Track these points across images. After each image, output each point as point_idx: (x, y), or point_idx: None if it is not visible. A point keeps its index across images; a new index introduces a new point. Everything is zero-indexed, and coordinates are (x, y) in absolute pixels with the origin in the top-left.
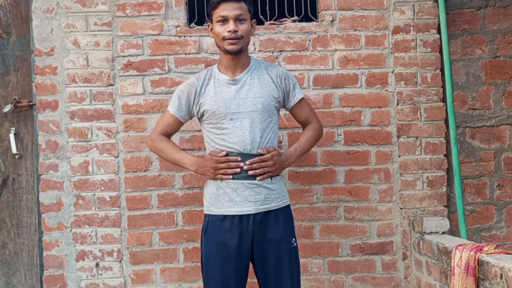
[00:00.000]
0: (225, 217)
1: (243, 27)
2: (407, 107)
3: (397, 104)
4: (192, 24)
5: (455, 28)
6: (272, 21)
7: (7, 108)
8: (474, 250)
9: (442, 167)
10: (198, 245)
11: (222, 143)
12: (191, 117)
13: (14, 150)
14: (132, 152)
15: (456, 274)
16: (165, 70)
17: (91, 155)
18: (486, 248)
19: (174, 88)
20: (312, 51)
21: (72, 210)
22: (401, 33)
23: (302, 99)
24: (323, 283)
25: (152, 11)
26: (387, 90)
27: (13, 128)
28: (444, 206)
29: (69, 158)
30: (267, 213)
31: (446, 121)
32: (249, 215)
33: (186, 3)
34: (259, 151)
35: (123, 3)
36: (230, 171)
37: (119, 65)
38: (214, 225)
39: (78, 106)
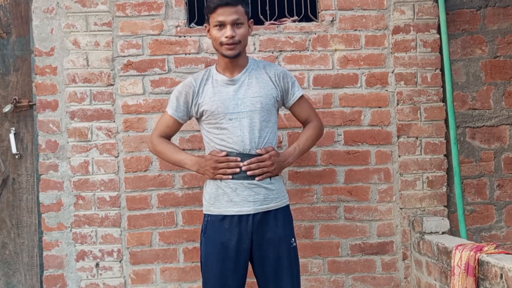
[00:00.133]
0: (224, 217)
1: (240, 32)
2: (407, 107)
3: (397, 104)
4: (192, 24)
5: (455, 28)
6: (272, 21)
7: (7, 108)
8: (474, 250)
9: (442, 167)
10: (198, 245)
11: (221, 143)
12: (189, 118)
13: (14, 150)
14: (132, 152)
15: (456, 274)
16: (165, 70)
17: (91, 155)
18: (486, 248)
19: (174, 88)
20: (312, 51)
21: (72, 210)
22: (401, 33)
23: (301, 97)
24: (323, 283)
25: (152, 11)
26: (387, 90)
27: (13, 128)
28: (444, 206)
29: (69, 158)
30: (266, 213)
31: (446, 121)
32: (248, 215)
33: (186, 3)
34: (258, 151)
35: (123, 3)
36: (229, 171)
37: (119, 65)
38: (214, 225)
39: (78, 106)
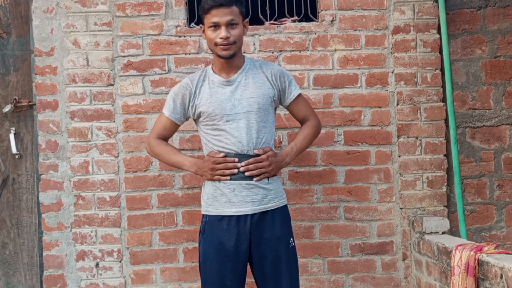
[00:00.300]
0: (222, 217)
1: (235, 32)
2: (407, 107)
3: (397, 104)
4: (192, 24)
5: (455, 28)
6: (272, 21)
7: (7, 108)
8: (474, 250)
9: (442, 167)
10: (197, 245)
11: (219, 144)
12: (186, 119)
13: (14, 150)
14: (132, 152)
15: (456, 274)
16: (165, 70)
17: (91, 155)
18: (486, 248)
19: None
20: (312, 51)
21: (72, 210)
22: (401, 33)
23: (299, 96)
24: (323, 283)
25: (152, 11)
26: (387, 90)
27: (13, 128)
28: (444, 206)
29: (69, 158)
30: (264, 213)
31: (446, 121)
32: (246, 215)
33: (186, 3)
34: (256, 151)
35: (123, 3)
36: (227, 172)
37: (119, 65)
38: (212, 226)
39: (78, 106)
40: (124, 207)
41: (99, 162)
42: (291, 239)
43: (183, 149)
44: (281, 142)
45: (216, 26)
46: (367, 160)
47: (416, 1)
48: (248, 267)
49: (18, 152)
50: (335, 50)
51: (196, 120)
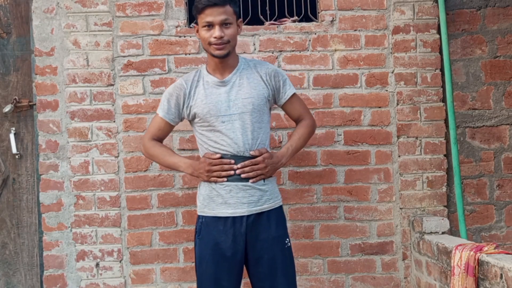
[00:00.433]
0: (218, 218)
1: (229, 32)
2: (407, 107)
3: (397, 104)
4: (192, 24)
5: (455, 28)
6: (272, 21)
7: (7, 108)
8: (474, 250)
9: (442, 167)
10: None
11: (215, 145)
12: (181, 120)
13: (14, 150)
14: (132, 152)
15: (456, 274)
16: (165, 70)
17: (91, 155)
18: (486, 248)
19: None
20: (312, 51)
21: (72, 210)
22: (401, 33)
23: (293, 95)
24: (323, 283)
25: (152, 11)
26: (387, 90)
27: (13, 128)
28: (444, 206)
29: (69, 158)
30: (259, 214)
31: (446, 121)
32: (242, 216)
33: (186, 3)
34: (251, 153)
35: (123, 3)
36: (223, 173)
37: (119, 65)
38: (208, 227)
39: (78, 106)
40: (124, 207)
41: (99, 162)
42: (287, 239)
43: (183, 149)
44: (281, 142)
45: (210, 25)
46: (367, 160)
47: (416, 1)
48: (244, 268)
49: (18, 152)
50: (335, 50)
51: (191, 121)
